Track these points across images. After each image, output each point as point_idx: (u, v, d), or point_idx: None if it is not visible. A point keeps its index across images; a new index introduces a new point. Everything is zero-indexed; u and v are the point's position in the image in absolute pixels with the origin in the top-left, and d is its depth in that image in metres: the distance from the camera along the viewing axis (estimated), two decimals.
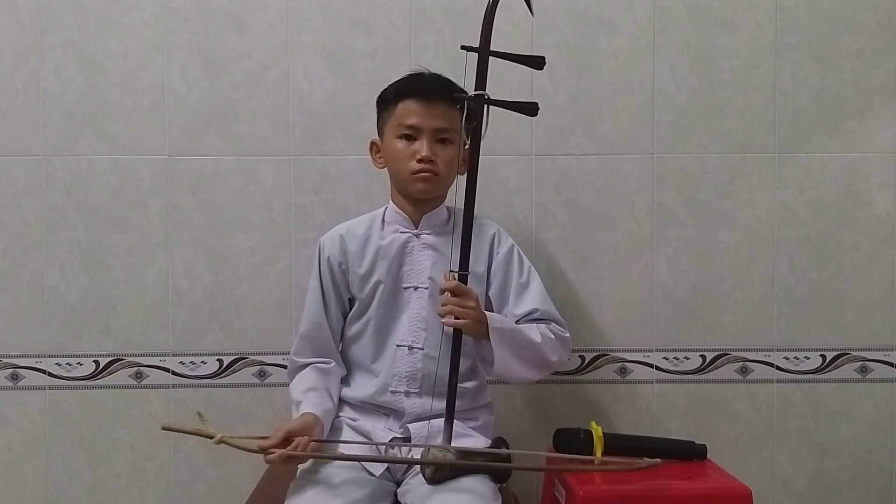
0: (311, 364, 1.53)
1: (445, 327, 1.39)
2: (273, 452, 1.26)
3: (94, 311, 1.83)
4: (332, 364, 1.54)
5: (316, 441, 1.34)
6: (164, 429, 1.28)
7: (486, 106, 1.37)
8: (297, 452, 1.27)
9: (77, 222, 1.82)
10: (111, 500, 1.85)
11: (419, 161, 1.48)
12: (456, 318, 1.37)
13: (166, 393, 1.84)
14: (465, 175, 1.41)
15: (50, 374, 1.83)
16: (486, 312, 1.43)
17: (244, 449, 1.26)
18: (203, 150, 1.83)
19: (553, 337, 1.49)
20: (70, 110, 1.81)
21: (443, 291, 1.39)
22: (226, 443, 1.24)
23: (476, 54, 1.39)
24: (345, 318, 1.58)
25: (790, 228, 1.85)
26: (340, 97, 1.82)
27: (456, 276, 1.39)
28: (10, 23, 1.81)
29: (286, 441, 1.28)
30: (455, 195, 1.47)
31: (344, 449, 1.40)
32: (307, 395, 1.43)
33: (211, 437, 1.24)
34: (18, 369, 1.83)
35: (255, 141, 1.83)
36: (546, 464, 1.62)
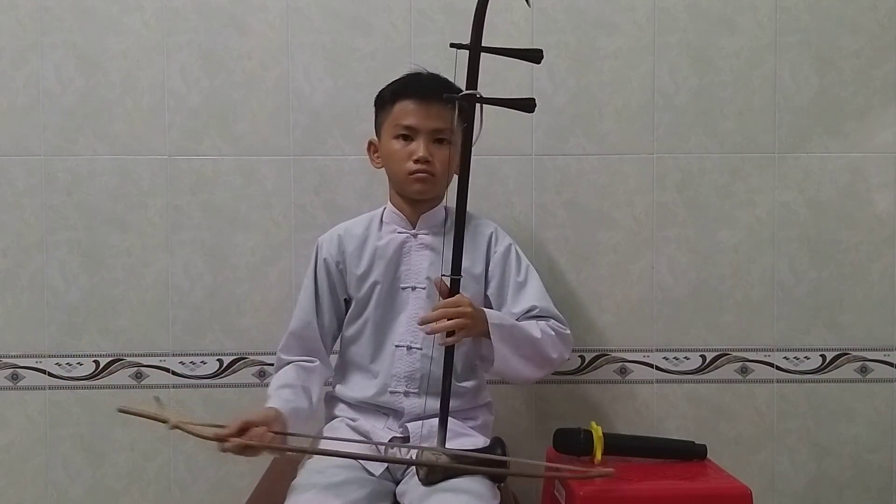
0: (295, 362, 1.52)
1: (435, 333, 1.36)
2: (229, 441, 1.22)
3: (94, 311, 1.83)
4: (317, 363, 1.53)
5: (276, 433, 1.29)
6: (119, 411, 1.22)
7: (479, 105, 1.35)
8: (252, 442, 1.23)
9: (77, 222, 1.83)
10: (111, 500, 1.85)
11: (416, 162, 1.48)
12: (451, 331, 1.35)
13: (167, 393, 1.84)
14: (458, 178, 1.38)
15: (50, 374, 1.83)
16: (485, 309, 1.43)
17: (199, 436, 1.22)
18: (203, 150, 1.83)
19: (553, 333, 1.49)
20: (70, 110, 1.81)
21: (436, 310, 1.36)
22: (180, 428, 1.20)
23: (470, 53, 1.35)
24: (339, 320, 1.58)
25: (790, 228, 1.85)
26: (340, 97, 1.82)
27: (448, 280, 1.38)
28: (10, 23, 1.81)
29: (243, 431, 1.25)
30: (454, 195, 1.46)
31: (328, 446, 1.39)
32: (279, 391, 1.43)
33: (165, 422, 1.20)
34: (18, 369, 1.83)
35: (255, 141, 1.83)
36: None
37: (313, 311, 1.55)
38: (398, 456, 1.43)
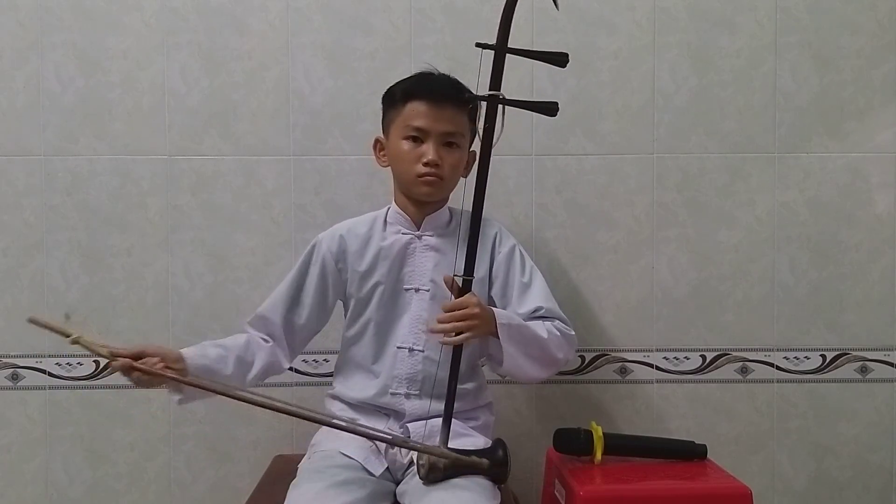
0: (253, 335, 1.52)
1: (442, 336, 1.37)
2: (118, 360, 1.28)
3: (94, 311, 1.83)
4: (271, 343, 1.52)
5: (173, 379, 1.32)
6: (29, 321, 1.26)
7: (501, 107, 1.34)
8: (139, 365, 1.28)
9: (77, 222, 1.82)
10: (111, 500, 1.85)
11: (425, 164, 1.47)
12: (459, 331, 1.35)
13: (166, 393, 1.83)
14: (475, 180, 1.38)
15: (50, 374, 1.83)
16: (493, 308, 1.43)
17: (94, 352, 1.27)
18: (203, 150, 1.83)
19: (559, 334, 1.49)
20: (70, 110, 1.81)
21: (447, 310, 1.36)
22: (80, 343, 1.24)
23: (492, 53, 1.35)
24: (319, 320, 1.57)
25: (790, 228, 1.85)
26: (340, 97, 1.82)
27: (460, 280, 1.38)
28: (10, 23, 1.81)
29: (138, 358, 1.30)
30: (462, 196, 1.44)
31: (335, 435, 1.39)
32: (206, 346, 1.44)
33: (68, 336, 1.24)
34: (18, 369, 1.83)
35: (255, 141, 1.83)
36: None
37: (286, 303, 1.54)
38: (365, 430, 1.41)
